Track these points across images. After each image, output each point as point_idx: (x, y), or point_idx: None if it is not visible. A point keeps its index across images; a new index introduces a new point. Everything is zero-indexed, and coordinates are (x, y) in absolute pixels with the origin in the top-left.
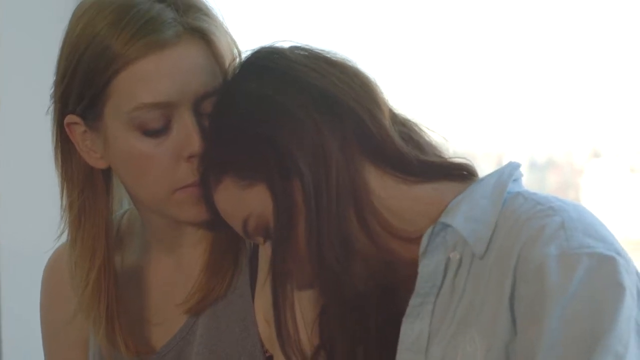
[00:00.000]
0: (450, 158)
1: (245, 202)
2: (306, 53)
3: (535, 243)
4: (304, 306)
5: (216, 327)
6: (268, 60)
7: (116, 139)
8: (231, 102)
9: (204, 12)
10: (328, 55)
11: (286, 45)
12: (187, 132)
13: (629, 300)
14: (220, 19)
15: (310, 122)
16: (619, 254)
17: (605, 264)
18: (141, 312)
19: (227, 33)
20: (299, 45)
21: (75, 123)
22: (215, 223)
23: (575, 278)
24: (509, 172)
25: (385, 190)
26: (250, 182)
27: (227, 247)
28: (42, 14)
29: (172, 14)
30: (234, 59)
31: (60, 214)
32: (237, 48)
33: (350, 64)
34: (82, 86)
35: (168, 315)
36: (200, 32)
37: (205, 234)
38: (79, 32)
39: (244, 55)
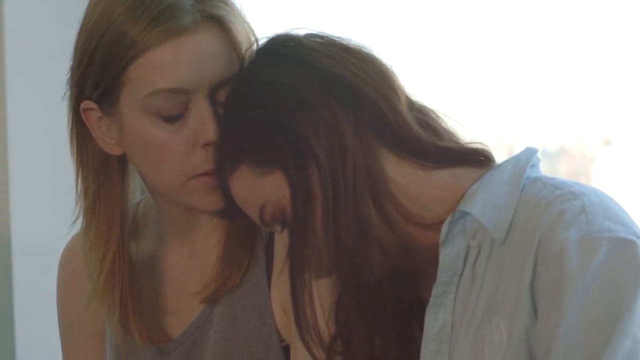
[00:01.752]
0: (467, 144)
1: (262, 189)
2: (322, 40)
3: (556, 228)
4: (322, 294)
5: (232, 316)
6: (284, 48)
7: (132, 126)
8: (246, 89)
9: (222, 0)
10: (344, 42)
11: (302, 32)
12: (202, 120)
13: None
14: (238, 6)
15: (325, 109)
16: (638, 237)
17: (626, 248)
18: (156, 300)
19: (244, 21)
20: (314, 32)
21: (91, 109)
22: (231, 212)
23: (595, 262)
24: (526, 158)
25: (403, 176)
26: (266, 170)
27: (243, 236)
28: (47, 9)
29: (190, 1)
30: (251, 46)
31: (75, 200)
32: (254, 36)
33: (366, 50)
34: (99, 72)
35: (183, 304)
36: (218, 19)
37: (220, 223)
38: (96, 18)
39: (259, 43)
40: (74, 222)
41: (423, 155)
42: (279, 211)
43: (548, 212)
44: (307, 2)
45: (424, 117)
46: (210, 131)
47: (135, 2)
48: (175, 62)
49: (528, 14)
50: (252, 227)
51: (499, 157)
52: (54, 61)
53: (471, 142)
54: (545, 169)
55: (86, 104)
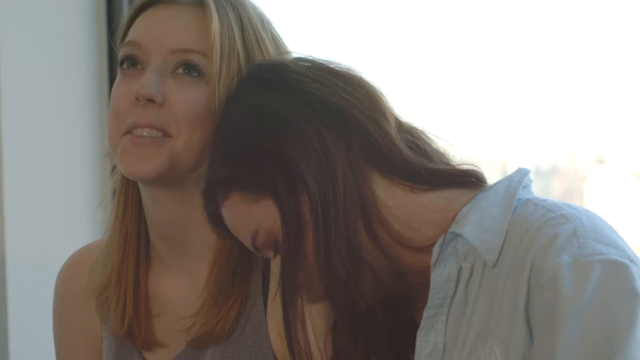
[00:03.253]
0: (457, 165)
1: (253, 216)
2: (309, 64)
3: (548, 252)
4: (315, 319)
5: (229, 339)
6: (270, 73)
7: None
8: (234, 116)
9: (233, 5)
10: (331, 66)
11: (289, 57)
12: (144, 76)
13: None
14: (247, 7)
15: (314, 134)
16: (631, 260)
17: (618, 271)
18: (152, 323)
19: (240, 17)
20: (301, 56)
21: None
22: (224, 237)
23: (589, 286)
24: (518, 179)
25: (394, 199)
26: (257, 197)
27: (236, 263)
28: (43, 11)
29: None
30: (231, 37)
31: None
32: (246, 34)
33: (354, 73)
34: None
35: (175, 327)
36: (207, 3)
37: (212, 248)
38: None
39: (245, 72)
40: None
41: (413, 178)
42: (272, 237)
43: (540, 235)
44: (305, 4)
45: (413, 139)
46: (144, 84)
47: None
48: (144, 21)
49: (523, 33)
50: (247, 255)
51: (493, 175)
52: (52, 67)
53: (462, 164)
54: (538, 187)
55: None
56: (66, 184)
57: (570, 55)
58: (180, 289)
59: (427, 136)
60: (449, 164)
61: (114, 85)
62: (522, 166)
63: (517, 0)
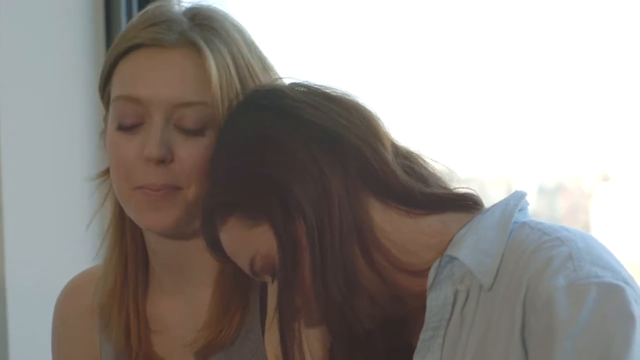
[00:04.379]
0: (454, 189)
1: (251, 241)
2: (305, 89)
3: (543, 275)
4: (312, 344)
5: (231, 346)
6: (267, 99)
7: (106, 128)
8: (232, 141)
9: (215, 27)
10: (327, 91)
11: (285, 82)
12: (150, 134)
13: None
14: (234, 35)
15: (311, 160)
16: (627, 283)
17: (614, 294)
18: (150, 347)
19: (232, 52)
20: (297, 81)
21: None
22: (221, 260)
23: (584, 310)
24: (514, 202)
25: (390, 224)
26: (255, 222)
27: (234, 287)
28: (41, 12)
29: (182, 21)
30: (229, 79)
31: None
32: (239, 68)
33: (350, 98)
34: (104, 69)
35: (177, 353)
36: (197, 45)
37: (211, 273)
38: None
39: (242, 96)
40: (99, 249)
41: (410, 203)
42: (269, 262)
43: (535, 258)
44: (289, 22)
45: (409, 163)
46: (152, 148)
47: (144, 14)
48: (138, 72)
49: (529, 51)
50: (244, 276)
51: (497, 193)
52: (52, 86)
53: (459, 187)
54: (543, 206)
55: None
56: (66, 200)
57: (575, 74)
58: (179, 313)
59: (424, 160)
60: (445, 188)
61: (110, 134)
62: (519, 189)
63: (521, 19)
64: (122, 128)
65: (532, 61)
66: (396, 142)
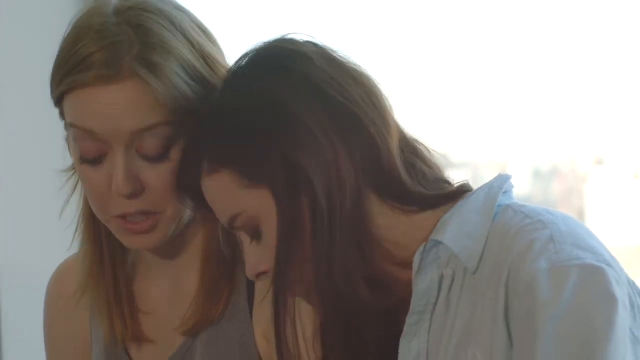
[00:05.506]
0: (452, 184)
1: (241, 200)
2: (330, 60)
3: (525, 258)
4: (303, 320)
5: (215, 345)
6: (294, 63)
7: (71, 150)
8: (247, 98)
9: (162, 47)
10: (355, 69)
11: (306, 43)
12: (116, 169)
13: (622, 311)
14: (181, 46)
15: (329, 145)
16: (608, 264)
17: (595, 275)
18: (138, 328)
19: (179, 59)
20: (319, 45)
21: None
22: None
23: (565, 292)
24: (498, 185)
25: (384, 219)
26: (252, 184)
27: (221, 266)
28: (41, 13)
29: (124, 47)
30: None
31: (65, 222)
32: (193, 72)
33: (371, 81)
34: (51, 82)
35: (165, 334)
36: (142, 76)
37: (198, 252)
38: (68, 32)
39: (263, 43)
40: (72, 243)
41: (407, 202)
42: (253, 224)
43: (517, 241)
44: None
45: (413, 159)
46: (120, 184)
47: (82, 33)
48: (88, 107)
49: (520, 36)
50: (232, 255)
51: (492, 177)
52: (38, 76)
53: (456, 182)
54: (538, 189)
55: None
56: (56, 189)
57: (570, 57)
58: (167, 293)
59: (428, 152)
60: (444, 182)
61: (77, 165)
62: (503, 173)
63: (517, 4)
64: (87, 161)
65: (527, 46)
66: (404, 133)
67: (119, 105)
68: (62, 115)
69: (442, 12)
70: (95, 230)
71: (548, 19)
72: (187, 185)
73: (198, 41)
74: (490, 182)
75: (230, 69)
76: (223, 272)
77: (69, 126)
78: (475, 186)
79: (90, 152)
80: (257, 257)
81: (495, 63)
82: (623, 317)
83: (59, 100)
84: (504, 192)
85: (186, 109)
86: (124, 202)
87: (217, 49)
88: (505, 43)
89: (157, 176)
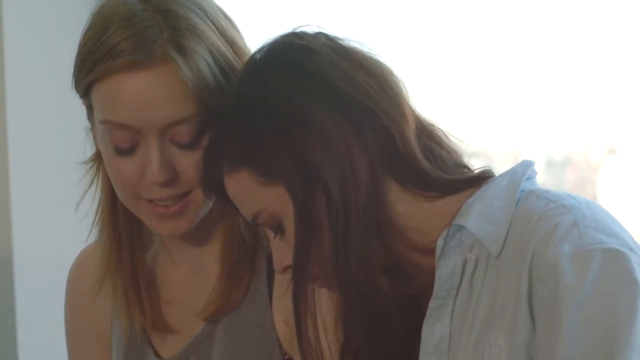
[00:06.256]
0: (471, 169)
1: (261, 198)
2: (339, 52)
3: (549, 242)
4: (324, 309)
5: (235, 329)
6: (302, 58)
7: (98, 140)
8: (257, 96)
9: (191, 31)
10: (362, 59)
11: (316, 36)
12: (149, 159)
13: None
14: (209, 30)
15: (341, 139)
16: (631, 249)
17: (618, 260)
18: (160, 314)
19: (209, 48)
20: (328, 36)
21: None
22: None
23: (589, 276)
24: (521, 171)
25: (406, 206)
26: (269, 181)
27: (242, 252)
28: (46, 9)
29: (155, 32)
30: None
31: (79, 210)
32: (221, 61)
33: (383, 68)
34: (78, 76)
35: (186, 320)
36: (175, 60)
37: (219, 237)
38: (90, 23)
39: (274, 39)
40: (90, 232)
41: (427, 187)
42: (275, 219)
43: (540, 226)
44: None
45: (431, 145)
46: (154, 173)
47: (108, 22)
48: (120, 98)
49: (534, 26)
50: (253, 241)
51: (505, 167)
52: (57, 69)
53: (477, 168)
54: (551, 178)
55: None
56: (72, 181)
57: (583, 47)
58: (189, 281)
59: (446, 136)
60: (463, 167)
61: (108, 157)
62: (526, 158)
63: None
64: (120, 151)
65: (540, 35)
66: (420, 118)
67: (152, 93)
68: (90, 108)
69: (457, 4)
70: (114, 220)
71: (561, 12)
72: (211, 183)
73: (223, 26)
74: (513, 167)
75: (243, 68)
76: (243, 257)
77: (101, 123)
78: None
79: (123, 142)
80: (282, 252)
81: (508, 53)
82: None
83: (85, 92)
84: (527, 178)
85: (209, 98)
86: (156, 188)
87: (239, 35)
88: (518, 32)
89: (191, 163)
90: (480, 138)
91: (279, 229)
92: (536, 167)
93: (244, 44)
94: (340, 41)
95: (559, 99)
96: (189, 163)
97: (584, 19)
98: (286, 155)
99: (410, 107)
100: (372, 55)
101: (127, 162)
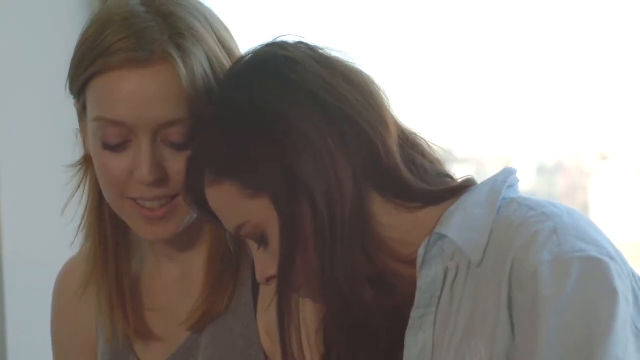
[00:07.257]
0: (454, 179)
1: (245, 210)
2: (322, 62)
3: (529, 250)
4: (307, 318)
5: (220, 338)
6: (284, 68)
7: (87, 136)
8: (237, 106)
9: (191, 34)
10: (344, 69)
11: (297, 45)
12: (139, 159)
13: (624, 304)
14: (208, 36)
15: (326, 150)
16: (611, 257)
17: (598, 268)
18: (144, 321)
19: (208, 60)
20: (309, 46)
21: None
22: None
23: (568, 284)
24: (503, 179)
25: (388, 217)
26: (253, 193)
27: (227, 261)
28: (44, 14)
29: (155, 33)
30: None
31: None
32: (216, 64)
33: (365, 78)
34: (73, 75)
35: (170, 328)
36: (173, 59)
37: (205, 244)
38: (89, 23)
39: (255, 50)
40: (75, 237)
41: (410, 198)
42: (258, 231)
43: (521, 233)
44: (286, 15)
45: (414, 155)
46: (144, 173)
47: (108, 23)
48: (116, 95)
49: (525, 32)
50: (237, 249)
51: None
52: (46, 71)
53: (460, 177)
54: (542, 185)
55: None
56: (63, 184)
57: (574, 53)
58: (175, 288)
59: (429, 145)
60: (446, 177)
61: (96, 152)
62: (508, 167)
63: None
64: (108, 147)
65: (531, 42)
66: (403, 127)
67: (149, 91)
68: (83, 108)
69: (447, 9)
70: (100, 225)
71: (551, 18)
72: (193, 195)
73: (223, 36)
74: (495, 175)
75: (224, 78)
76: (228, 265)
77: (93, 120)
78: (479, 182)
79: (113, 138)
80: (265, 263)
81: (499, 59)
82: (624, 310)
83: (81, 90)
84: (508, 186)
85: (200, 103)
86: (144, 187)
87: (235, 44)
88: (509, 38)
89: (179, 165)
90: (472, 144)
91: (262, 240)
92: (525, 174)
93: (240, 53)
94: (321, 51)
95: (551, 105)
96: (179, 165)
97: (577, 26)
98: (272, 166)
99: (392, 117)
100: (354, 65)
101: (117, 160)
